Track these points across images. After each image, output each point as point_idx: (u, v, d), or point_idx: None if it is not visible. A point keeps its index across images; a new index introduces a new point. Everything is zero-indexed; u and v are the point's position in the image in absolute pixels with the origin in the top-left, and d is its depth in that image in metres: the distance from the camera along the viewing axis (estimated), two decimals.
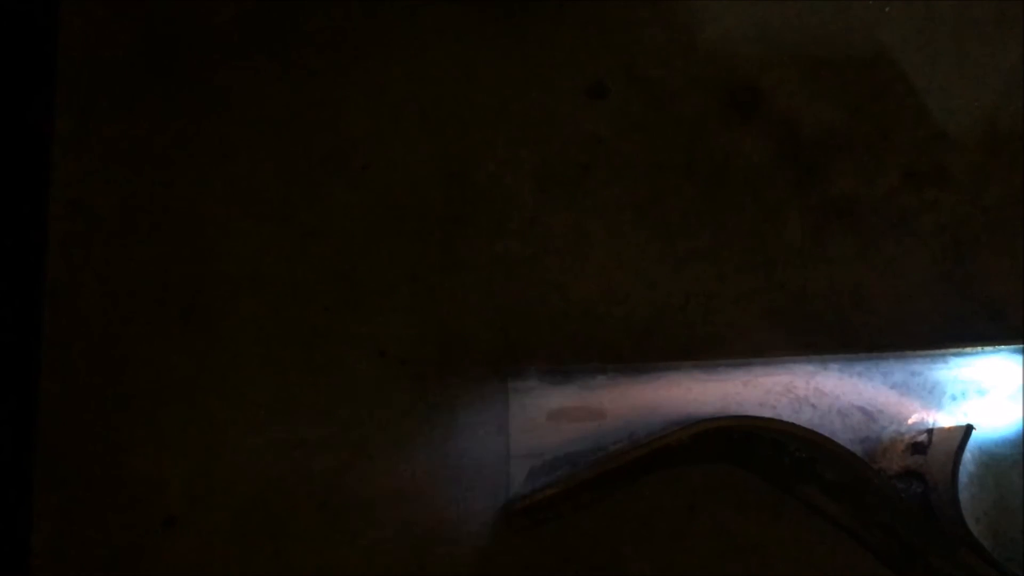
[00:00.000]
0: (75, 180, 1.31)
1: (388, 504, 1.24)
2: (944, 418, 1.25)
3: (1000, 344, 1.24)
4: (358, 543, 1.24)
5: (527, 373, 1.25)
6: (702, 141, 1.32)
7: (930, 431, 1.23)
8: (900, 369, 1.26)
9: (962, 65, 1.34)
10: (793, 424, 1.17)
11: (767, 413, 1.24)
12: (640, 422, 1.24)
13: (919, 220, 1.30)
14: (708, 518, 1.24)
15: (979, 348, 1.24)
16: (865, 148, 1.32)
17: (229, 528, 1.24)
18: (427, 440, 1.25)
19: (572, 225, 1.31)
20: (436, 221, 1.31)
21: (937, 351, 1.26)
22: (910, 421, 1.25)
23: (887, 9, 1.35)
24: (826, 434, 1.18)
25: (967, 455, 1.18)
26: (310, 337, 1.28)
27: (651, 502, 1.24)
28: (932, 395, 1.25)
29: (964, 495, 1.16)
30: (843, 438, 1.23)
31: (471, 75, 1.34)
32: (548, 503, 1.19)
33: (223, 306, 1.29)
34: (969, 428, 1.17)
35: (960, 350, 1.25)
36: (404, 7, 1.35)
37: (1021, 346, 1.24)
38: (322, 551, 1.24)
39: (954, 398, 1.25)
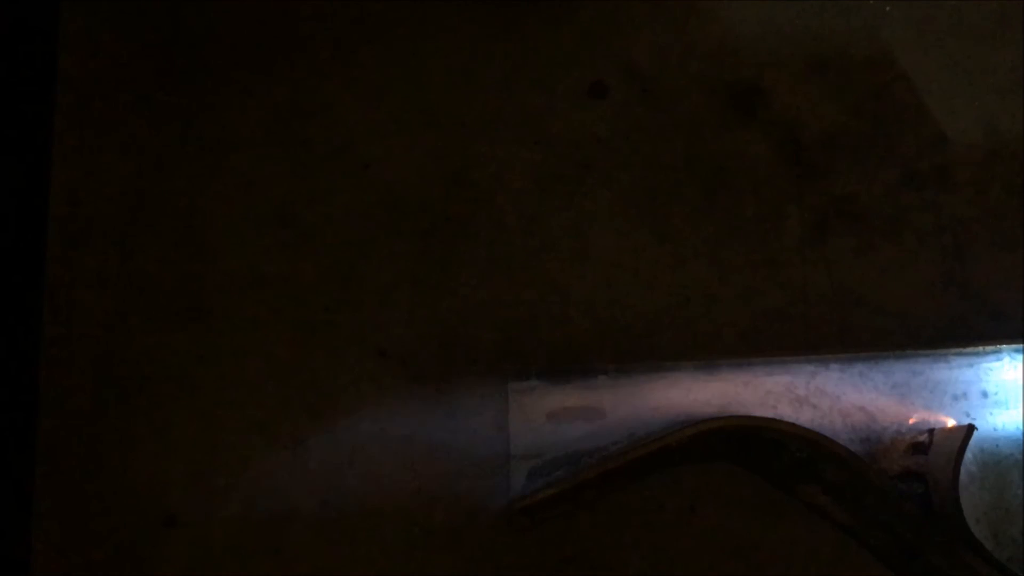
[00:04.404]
0: (75, 180, 1.31)
1: (388, 504, 1.24)
2: (945, 418, 1.25)
3: (1000, 344, 1.24)
4: (358, 543, 1.24)
5: (527, 373, 1.25)
6: (702, 141, 1.32)
7: (931, 431, 1.23)
8: (901, 369, 1.25)
9: (962, 65, 1.34)
10: (793, 424, 1.17)
11: (767, 413, 1.23)
12: (640, 422, 1.24)
13: (919, 220, 1.30)
14: (708, 518, 1.24)
15: (980, 348, 1.24)
16: (865, 148, 1.32)
17: (229, 528, 1.24)
18: (427, 440, 1.25)
19: (572, 225, 1.31)
20: (436, 221, 1.31)
21: (938, 351, 1.25)
22: (911, 421, 1.25)
23: (888, 9, 1.35)
24: (826, 434, 1.18)
25: (968, 455, 1.17)
26: (310, 337, 1.28)
27: (651, 502, 1.24)
28: (933, 395, 1.25)
29: (964, 495, 1.15)
30: (844, 438, 1.23)
31: (471, 75, 1.34)
32: (548, 503, 1.19)
33: (223, 306, 1.29)
34: (970, 428, 1.17)
35: (961, 350, 1.25)
36: (404, 7, 1.35)
37: (1021, 346, 1.23)
38: (322, 551, 1.24)
39: (955, 398, 1.25)
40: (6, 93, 1.34)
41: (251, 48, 1.35)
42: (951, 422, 1.24)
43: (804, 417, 1.24)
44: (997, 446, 1.24)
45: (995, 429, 1.24)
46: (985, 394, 1.25)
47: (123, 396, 1.27)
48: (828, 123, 1.33)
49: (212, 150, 1.32)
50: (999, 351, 1.24)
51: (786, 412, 1.24)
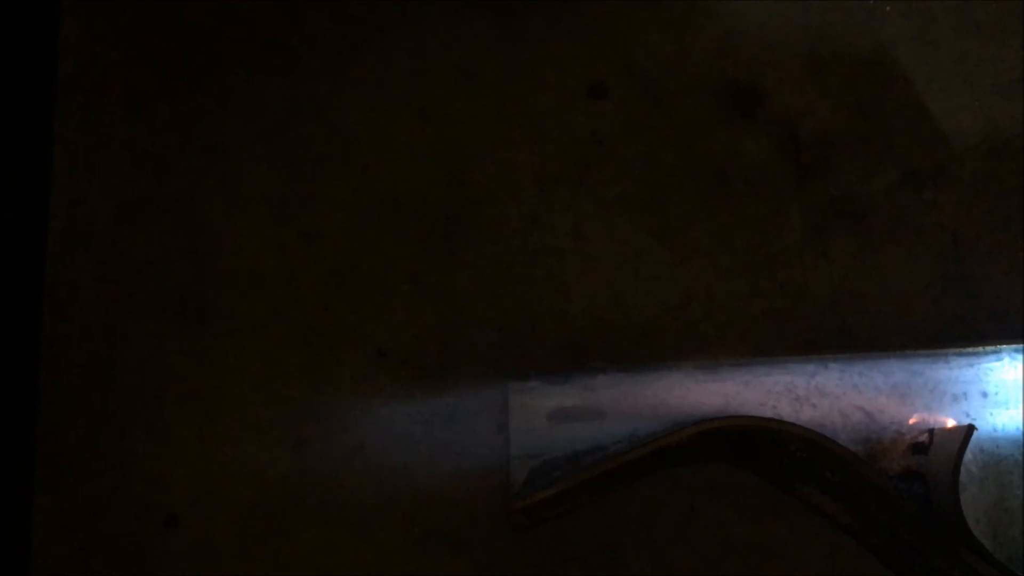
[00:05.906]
0: (75, 180, 1.31)
1: (388, 504, 1.24)
2: (945, 418, 1.25)
3: (1000, 344, 1.24)
4: (358, 543, 1.24)
5: (527, 373, 1.25)
6: (702, 141, 1.32)
7: (931, 431, 1.23)
8: (901, 369, 1.25)
9: (962, 65, 1.34)
10: (793, 424, 1.17)
11: (767, 413, 1.23)
12: (640, 422, 1.23)
13: (919, 220, 1.30)
14: (708, 518, 1.24)
15: (980, 348, 1.24)
16: (865, 148, 1.32)
17: (229, 527, 1.24)
18: (427, 440, 1.25)
19: (572, 225, 1.31)
20: (436, 221, 1.31)
21: (938, 351, 1.25)
22: (911, 421, 1.25)
23: (888, 9, 1.35)
24: (826, 434, 1.18)
25: (968, 455, 1.17)
26: (310, 337, 1.28)
27: (651, 502, 1.24)
28: (933, 395, 1.25)
29: (964, 495, 1.15)
30: (844, 438, 1.23)
31: (471, 75, 1.34)
32: (548, 503, 1.19)
33: (223, 306, 1.29)
34: (970, 428, 1.17)
35: (961, 350, 1.25)
36: (403, 7, 1.35)
37: (1021, 346, 1.23)
38: (322, 551, 1.24)
39: (955, 398, 1.25)
40: (6, 94, 1.34)
41: (250, 49, 1.35)
42: (951, 422, 1.24)
43: (804, 417, 1.24)
44: (997, 446, 1.24)
45: (995, 429, 1.24)
46: (985, 394, 1.25)
47: (123, 396, 1.27)
48: (828, 123, 1.33)
49: (211, 150, 1.32)
50: (999, 351, 1.24)
51: (786, 412, 1.24)
